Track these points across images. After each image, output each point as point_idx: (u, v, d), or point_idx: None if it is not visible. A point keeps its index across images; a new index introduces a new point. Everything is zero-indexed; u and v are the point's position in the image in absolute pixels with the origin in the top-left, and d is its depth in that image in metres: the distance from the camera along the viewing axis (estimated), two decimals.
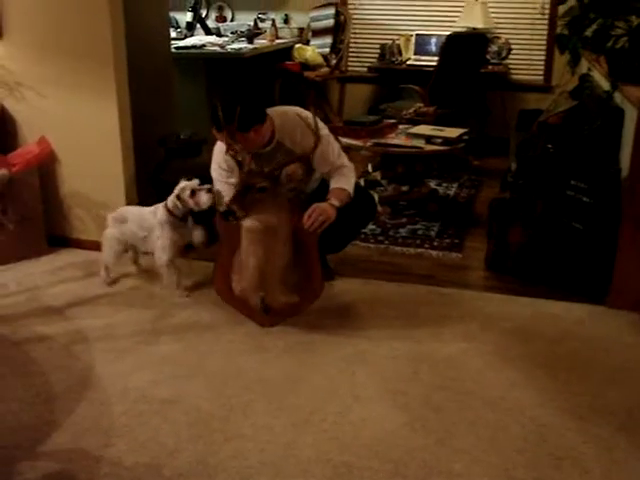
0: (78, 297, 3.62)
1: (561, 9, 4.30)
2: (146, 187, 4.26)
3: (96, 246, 4.12)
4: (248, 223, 3.07)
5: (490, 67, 6.56)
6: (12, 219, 3.97)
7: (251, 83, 6.24)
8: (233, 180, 3.36)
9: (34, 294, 3.67)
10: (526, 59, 6.77)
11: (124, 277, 3.87)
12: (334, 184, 3.42)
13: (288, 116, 3.42)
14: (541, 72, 6.73)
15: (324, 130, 3.45)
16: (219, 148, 3.42)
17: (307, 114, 3.40)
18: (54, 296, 3.64)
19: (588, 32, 3.55)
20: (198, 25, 6.64)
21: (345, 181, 3.44)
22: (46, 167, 4.16)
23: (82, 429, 2.54)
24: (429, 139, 4.80)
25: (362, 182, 5.19)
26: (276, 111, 3.43)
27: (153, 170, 4.21)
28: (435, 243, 4.39)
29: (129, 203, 4.12)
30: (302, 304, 3.35)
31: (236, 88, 3.95)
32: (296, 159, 3.14)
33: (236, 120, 3.10)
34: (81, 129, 4.04)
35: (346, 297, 3.64)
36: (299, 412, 2.64)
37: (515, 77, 6.82)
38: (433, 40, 6.73)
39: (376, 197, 4.91)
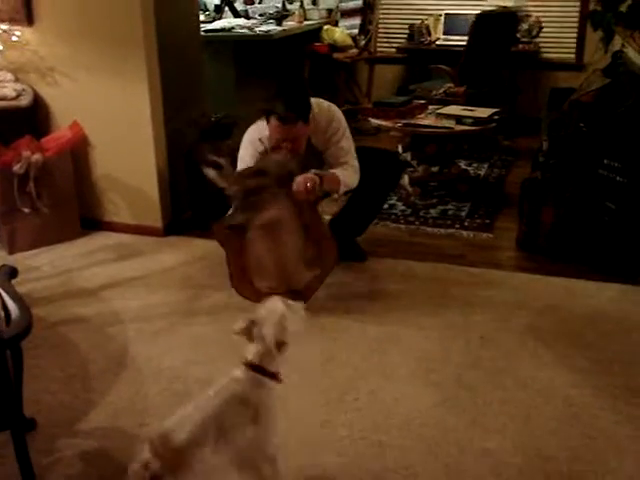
0: (112, 279, 3.67)
1: None
2: (178, 169, 4.29)
3: (128, 229, 4.19)
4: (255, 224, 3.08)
5: (521, 46, 6.49)
6: (46, 203, 4.03)
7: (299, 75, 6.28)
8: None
9: (69, 276, 3.72)
10: (557, 37, 6.68)
11: (157, 259, 3.92)
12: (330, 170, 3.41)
13: (317, 109, 3.44)
14: (573, 50, 6.64)
15: (342, 122, 3.48)
16: (256, 135, 3.41)
17: (327, 105, 3.47)
18: (89, 278, 3.69)
19: (622, 7, 3.49)
20: (226, 8, 6.63)
21: (341, 172, 3.38)
22: (79, 151, 4.21)
23: (118, 408, 2.59)
24: (459, 119, 4.78)
25: None
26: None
27: (185, 153, 4.23)
28: (466, 223, 4.37)
29: (161, 186, 4.15)
30: (324, 272, 3.32)
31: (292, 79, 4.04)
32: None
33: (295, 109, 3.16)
34: (113, 113, 4.08)
35: (377, 277, 3.65)
36: (332, 391, 2.66)
37: (546, 55, 6.73)
38: (462, 19, 6.66)
39: (406, 178, 4.92)
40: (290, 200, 3.12)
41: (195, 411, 1.91)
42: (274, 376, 1.99)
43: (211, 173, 3.08)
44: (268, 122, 3.24)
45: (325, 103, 3.48)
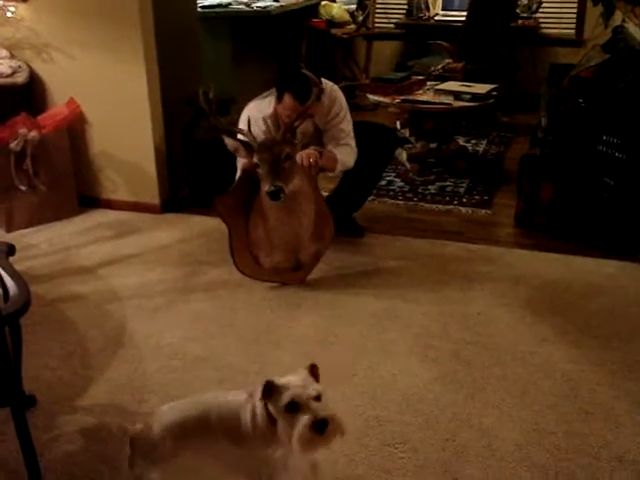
0: (110, 256, 3.66)
1: None
2: (175, 146, 4.27)
3: (126, 206, 4.18)
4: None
5: (520, 21, 6.45)
6: (43, 180, 4.01)
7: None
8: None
9: (67, 254, 3.72)
10: (557, 12, 6.64)
11: (154, 236, 3.91)
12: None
13: None
14: (573, 25, 6.60)
15: (343, 103, 3.48)
16: (255, 113, 3.36)
17: (331, 85, 3.48)
18: (86, 256, 3.69)
19: None
20: None
21: (339, 150, 3.40)
22: (76, 128, 4.18)
23: (117, 385, 2.59)
24: (458, 95, 4.76)
25: None
26: None
27: (182, 129, 4.21)
28: (464, 200, 4.37)
29: (158, 163, 4.14)
30: (323, 247, 3.35)
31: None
32: (305, 116, 3.08)
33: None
34: (110, 90, 4.05)
35: (376, 254, 3.65)
36: (330, 368, 2.64)
37: (546, 31, 6.70)
38: None
39: (404, 155, 4.91)
40: (307, 174, 3.12)
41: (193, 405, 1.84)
42: None
43: (231, 142, 3.05)
44: (281, 99, 3.22)
45: (329, 83, 3.47)
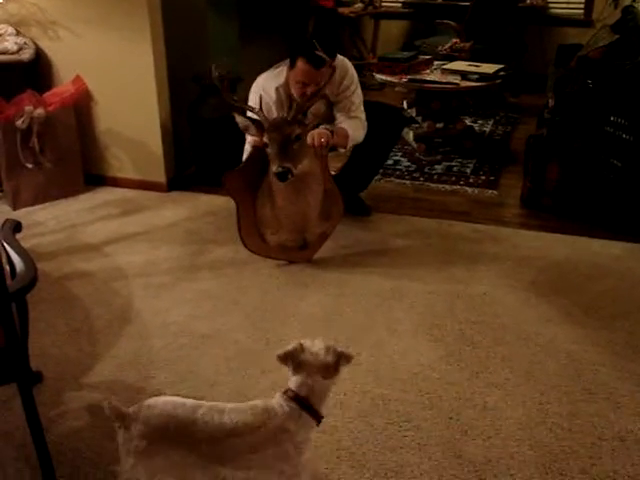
0: (116, 234, 3.67)
1: None
2: (182, 124, 4.27)
3: (132, 184, 4.18)
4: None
5: (528, 1, 6.43)
6: (50, 158, 4.02)
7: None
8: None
9: (73, 232, 3.73)
10: None
11: (161, 214, 3.92)
12: (340, 124, 3.41)
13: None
14: (581, 5, 6.56)
15: (354, 77, 3.49)
16: (269, 83, 3.37)
17: (342, 58, 3.47)
18: (93, 233, 3.70)
19: None
20: None
21: (349, 125, 3.39)
22: (82, 106, 4.18)
23: (123, 362, 2.60)
24: (465, 75, 4.74)
25: None
26: None
27: (188, 107, 4.20)
28: (471, 180, 4.36)
29: (165, 141, 4.13)
30: (331, 226, 3.36)
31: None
32: (319, 97, 3.07)
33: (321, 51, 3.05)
34: (116, 68, 4.04)
35: (382, 233, 3.65)
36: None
37: (554, 11, 6.66)
38: None
39: (411, 135, 4.90)
40: (316, 154, 3.12)
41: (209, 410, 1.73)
42: (316, 414, 1.76)
43: (242, 120, 3.05)
44: (294, 65, 3.22)
45: (340, 57, 3.46)
